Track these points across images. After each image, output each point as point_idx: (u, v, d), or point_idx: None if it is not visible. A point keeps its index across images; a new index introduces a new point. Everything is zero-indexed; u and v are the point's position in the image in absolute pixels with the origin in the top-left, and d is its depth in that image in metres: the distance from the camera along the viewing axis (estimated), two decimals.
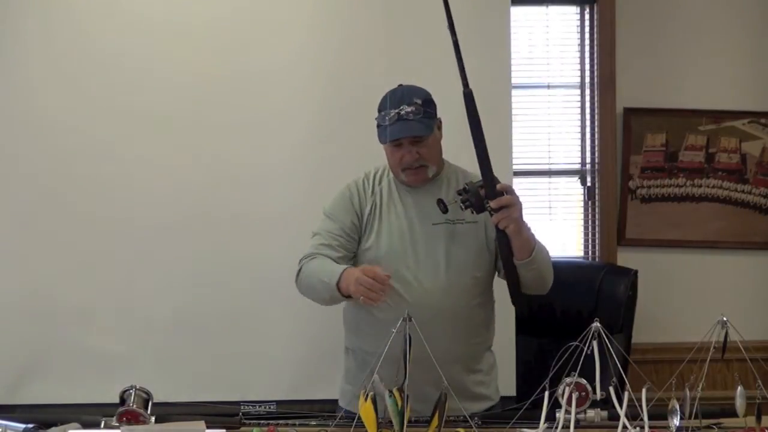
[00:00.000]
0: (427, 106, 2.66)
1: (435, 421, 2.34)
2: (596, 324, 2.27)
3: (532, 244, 2.61)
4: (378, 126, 2.68)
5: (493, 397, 2.82)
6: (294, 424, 2.50)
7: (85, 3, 3.52)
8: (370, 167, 2.87)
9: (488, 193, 2.53)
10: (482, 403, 2.75)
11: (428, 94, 2.71)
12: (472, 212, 2.58)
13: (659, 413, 2.26)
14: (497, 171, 3.60)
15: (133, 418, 2.40)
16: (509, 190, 2.56)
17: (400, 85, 2.71)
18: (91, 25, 3.51)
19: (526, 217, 2.60)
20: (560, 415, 2.29)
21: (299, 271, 2.73)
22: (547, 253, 2.70)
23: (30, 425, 2.42)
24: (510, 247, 2.57)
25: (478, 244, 2.70)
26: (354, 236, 2.72)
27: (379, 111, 2.68)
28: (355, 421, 2.30)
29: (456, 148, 3.49)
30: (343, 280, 2.53)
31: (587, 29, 4.00)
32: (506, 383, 3.31)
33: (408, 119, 2.60)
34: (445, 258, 2.66)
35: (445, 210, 2.60)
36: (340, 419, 2.41)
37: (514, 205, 2.53)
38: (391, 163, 2.72)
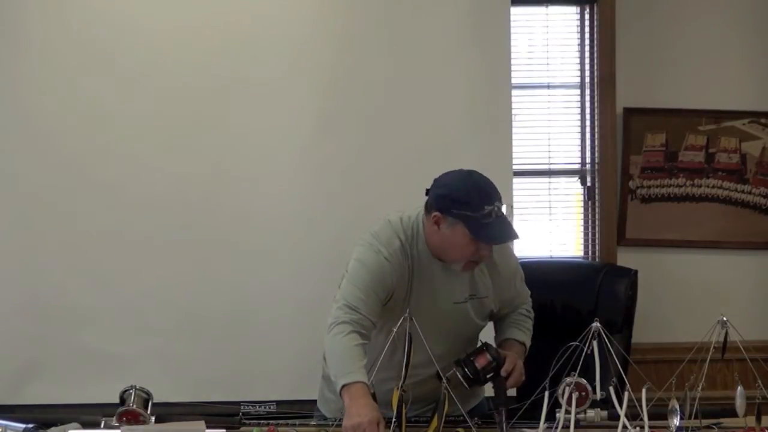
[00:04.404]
0: None
1: (435, 422, 2.35)
2: (596, 324, 2.27)
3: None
4: (467, 218, 2.43)
5: (478, 393, 2.83)
6: (294, 424, 2.50)
7: (85, 6, 3.53)
8: (393, 213, 2.62)
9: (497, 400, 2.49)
10: (472, 400, 2.76)
11: None
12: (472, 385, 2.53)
13: (659, 413, 2.27)
14: (498, 171, 3.63)
15: (133, 418, 2.40)
16: (516, 365, 2.55)
17: (469, 173, 2.52)
18: (93, 28, 3.52)
19: (525, 218, 2.58)
20: (560, 415, 2.29)
21: (332, 326, 2.49)
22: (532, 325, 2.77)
23: (30, 425, 2.43)
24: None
25: (486, 314, 2.69)
26: (383, 304, 2.56)
27: (464, 202, 2.44)
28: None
29: (454, 146, 3.53)
30: (348, 394, 2.34)
31: (587, 29, 3.99)
32: None
33: (504, 218, 2.47)
34: (457, 333, 2.62)
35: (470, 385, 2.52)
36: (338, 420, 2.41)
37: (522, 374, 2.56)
38: (461, 253, 2.50)
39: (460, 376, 2.45)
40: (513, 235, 2.52)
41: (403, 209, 2.63)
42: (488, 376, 2.49)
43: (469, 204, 2.44)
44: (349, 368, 2.38)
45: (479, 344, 2.60)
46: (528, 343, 2.71)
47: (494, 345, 2.70)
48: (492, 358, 2.49)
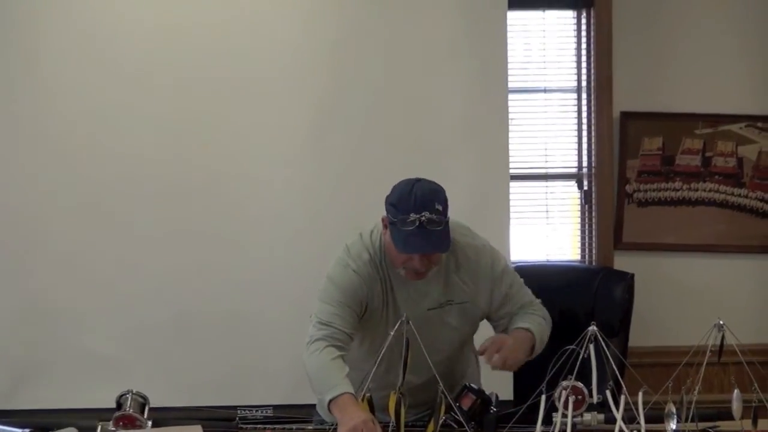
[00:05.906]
0: (446, 210, 2.45)
1: (431, 426, 2.35)
2: (593, 327, 2.27)
3: (532, 346, 2.61)
4: (392, 223, 2.45)
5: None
6: (291, 429, 2.50)
7: (86, 6, 3.53)
8: (367, 228, 2.63)
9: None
10: None
11: (444, 192, 2.48)
12: None
13: (656, 416, 2.27)
14: (494, 175, 3.64)
15: (129, 423, 2.40)
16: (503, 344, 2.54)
17: (418, 180, 2.48)
18: (94, 28, 3.52)
19: (522, 222, 2.57)
20: (557, 418, 2.29)
21: (308, 345, 2.50)
22: (547, 325, 2.70)
23: (27, 430, 2.43)
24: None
25: (469, 320, 2.67)
26: (358, 316, 2.58)
27: (395, 206, 2.45)
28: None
29: (450, 150, 3.53)
30: (337, 406, 2.35)
31: (584, 33, 4.00)
32: (503, 387, 3.30)
33: (431, 230, 2.39)
34: (436, 342, 2.57)
35: None
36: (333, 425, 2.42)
37: (511, 349, 2.52)
38: (395, 260, 2.51)
39: (451, 422, 2.43)
40: (430, 248, 2.43)
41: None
42: (478, 413, 2.47)
43: (396, 208, 2.44)
44: (332, 382, 2.38)
45: (459, 388, 2.58)
46: (535, 330, 2.62)
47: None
48: (476, 396, 2.49)
